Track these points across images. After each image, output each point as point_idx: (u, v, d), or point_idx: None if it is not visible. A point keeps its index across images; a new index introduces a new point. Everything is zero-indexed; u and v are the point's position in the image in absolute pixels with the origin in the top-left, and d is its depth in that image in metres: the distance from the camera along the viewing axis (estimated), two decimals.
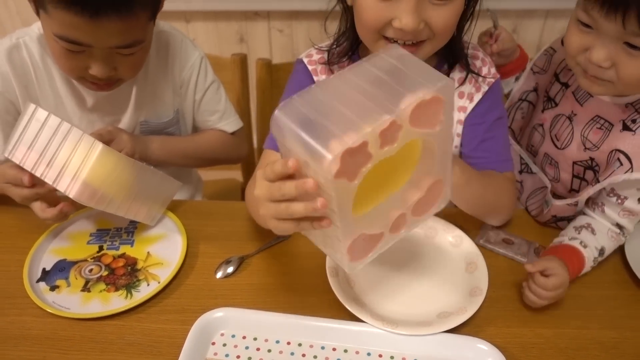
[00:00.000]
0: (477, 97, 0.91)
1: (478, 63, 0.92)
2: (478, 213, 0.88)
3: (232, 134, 1.16)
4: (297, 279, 0.84)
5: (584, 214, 0.90)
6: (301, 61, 0.99)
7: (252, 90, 1.36)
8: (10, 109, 0.99)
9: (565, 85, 0.94)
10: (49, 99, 0.99)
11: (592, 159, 0.88)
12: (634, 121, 0.83)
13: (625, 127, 0.83)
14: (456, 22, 0.81)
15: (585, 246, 0.84)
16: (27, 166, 0.80)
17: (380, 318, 0.75)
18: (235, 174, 1.51)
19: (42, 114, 0.79)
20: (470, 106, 0.91)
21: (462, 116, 0.92)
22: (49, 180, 0.78)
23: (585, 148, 0.88)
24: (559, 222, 0.95)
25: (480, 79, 0.91)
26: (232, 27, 2.16)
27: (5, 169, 0.85)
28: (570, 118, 0.91)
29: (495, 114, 0.92)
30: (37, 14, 0.84)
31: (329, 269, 0.81)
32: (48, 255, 0.88)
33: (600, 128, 0.86)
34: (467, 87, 0.91)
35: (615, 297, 0.83)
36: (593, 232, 0.86)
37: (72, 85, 0.98)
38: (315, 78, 0.97)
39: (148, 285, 0.83)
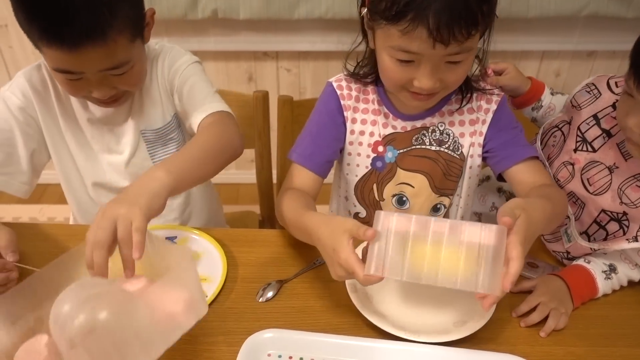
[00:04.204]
0: (489, 117, 1.00)
1: (481, 84, 1.02)
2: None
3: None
4: (334, 301, 0.87)
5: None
6: (330, 84, 1.06)
7: (272, 126, 1.42)
8: (31, 122, 1.05)
9: (608, 134, 0.96)
10: (65, 112, 1.06)
11: (625, 214, 0.92)
12: None
13: None
14: (466, 74, 0.90)
15: (588, 262, 0.91)
16: None
17: (401, 328, 0.79)
18: (253, 207, 1.55)
19: None
20: (484, 129, 1.01)
21: (483, 128, 1.01)
22: None
23: (622, 202, 0.92)
24: (566, 260, 1.00)
25: (485, 104, 1.01)
26: (242, 67, 2.23)
27: None
28: (610, 169, 0.95)
29: (509, 123, 1.02)
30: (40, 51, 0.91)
31: (348, 285, 0.87)
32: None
33: None
34: (477, 103, 1.01)
35: None
36: (605, 258, 0.93)
37: (84, 101, 1.05)
38: (342, 102, 1.03)
39: None
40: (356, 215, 1.13)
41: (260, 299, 0.88)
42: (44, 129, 1.06)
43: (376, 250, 0.72)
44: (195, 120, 1.02)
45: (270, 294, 0.88)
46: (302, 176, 1.03)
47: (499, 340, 0.81)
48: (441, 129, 1.02)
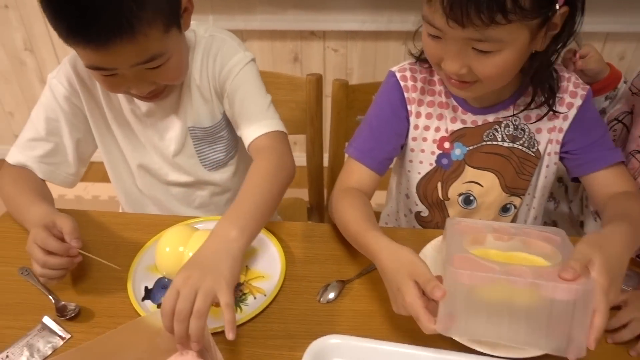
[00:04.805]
0: (572, 113, 0.92)
1: (564, 84, 0.92)
2: None
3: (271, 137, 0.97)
4: None
5: None
6: (393, 75, 0.98)
7: (325, 111, 1.36)
8: (77, 112, 1.01)
9: None
10: (111, 104, 1.02)
11: None
12: None
13: None
14: (509, 70, 0.82)
15: None
16: None
17: (477, 341, 0.73)
18: (301, 192, 1.50)
19: None
20: (565, 125, 0.92)
21: (564, 125, 0.93)
22: None
23: None
24: None
25: (568, 98, 0.91)
26: (287, 46, 2.17)
27: (40, 231, 0.80)
28: None
29: (594, 122, 0.93)
30: None
31: None
32: (145, 273, 0.88)
33: None
34: (559, 96, 0.92)
35: None
36: None
37: (129, 95, 1.00)
38: (405, 94, 0.96)
39: (255, 298, 0.82)
40: (418, 215, 1.07)
41: (321, 299, 0.83)
42: (90, 118, 1.03)
43: (447, 309, 0.66)
44: (247, 137, 0.97)
45: (331, 295, 0.84)
46: (359, 173, 0.97)
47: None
48: (515, 123, 0.94)
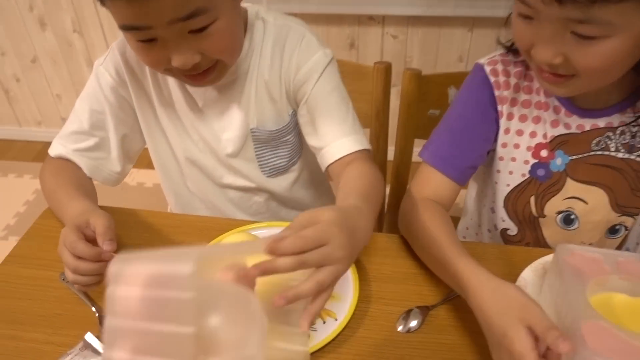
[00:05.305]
0: None
1: None
2: None
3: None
4: None
5: None
6: (481, 68, 0.84)
7: (392, 103, 1.23)
8: (124, 105, 0.91)
9: None
10: (162, 97, 0.91)
11: None
12: None
13: None
14: (618, 64, 0.66)
15: None
16: None
17: None
18: None
19: None
20: None
21: None
22: None
23: None
24: None
25: None
26: (344, 32, 2.04)
27: (70, 233, 0.71)
28: None
29: None
30: None
31: None
32: None
33: None
34: None
35: None
36: None
37: (184, 86, 0.89)
38: (496, 92, 0.82)
39: (324, 322, 0.71)
40: (504, 233, 0.93)
41: (401, 328, 0.71)
42: (138, 112, 0.93)
43: None
44: (329, 155, 0.86)
45: (413, 324, 0.71)
46: (436, 183, 0.84)
47: None
48: (634, 130, 0.79)
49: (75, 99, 0.91)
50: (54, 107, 2.46)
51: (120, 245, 0.84)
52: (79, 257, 0.69)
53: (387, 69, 1.17)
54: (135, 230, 0.87)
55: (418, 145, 1.25)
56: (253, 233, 0.83)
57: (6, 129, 2.55)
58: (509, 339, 0.55)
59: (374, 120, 1.22)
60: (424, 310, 0.73)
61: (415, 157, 1.29)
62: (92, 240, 0.72)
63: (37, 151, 2.45)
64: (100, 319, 0.72)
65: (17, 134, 2.55)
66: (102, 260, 0.70)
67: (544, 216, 0.87)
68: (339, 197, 0.74)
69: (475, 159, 0.86)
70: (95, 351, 0.68)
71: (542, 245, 0.91)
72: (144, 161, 1.03)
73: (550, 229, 0.88)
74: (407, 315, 0.72)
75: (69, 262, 0.70)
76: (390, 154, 1.26)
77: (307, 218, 0.59)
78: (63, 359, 0.68)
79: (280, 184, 1.00)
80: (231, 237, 0.80)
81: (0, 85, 2.40)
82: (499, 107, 0.83)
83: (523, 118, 0.83)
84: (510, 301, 0.58)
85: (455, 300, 0.74)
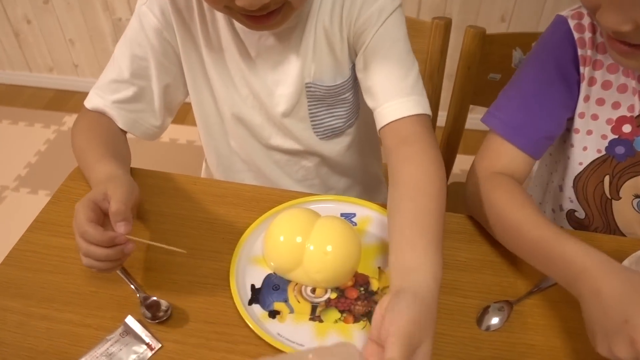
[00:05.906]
0: None
1: None
2: None
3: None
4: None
5: None
6: (564, 20, 0.73)
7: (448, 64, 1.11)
8: (168, 50, 0.81)
9: None
10: (211, 43, 0.80)
11: None
12: None
13: None
14: None
15: None
16: None
17: None
18: None
19: None
20: None
21: None
22: None
23: None
24: None
25: None
26: None
27: (81, 210, 0.61)
28: None
29: None
30: None
31: None
32: (250, 266, 0.69)
33: None
34: None
35: None
36: None
37: (236, 32, 0.78)
38: (579, 51, 0.71)
39: None
40: (571, 214, 0.84)
41: (482, 326, 0.63)
42: (184, 59, 0.82)
43: None
44: (385, 115, 0.74)
45: (495, 321, 0.63)
46: (508, 155, 0.74)
47: None
48: None
49: (89, 45, 0.81)
50: (67, 52, 2.33)
51: (159, 215, 0.76)
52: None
53: (447, 25, 1.05)
54: (174, 199, 0.78)
55: (473, 112, 1.15)
56: (310, 207, 0.74)
57: (16, 74, 2.43)
58: (632, 326, 0.48)
59: (426, 83, 1.11)
60: (507, 306, 0.64)
61: (469, 125, 1.19)
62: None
63: (48, 98, 2.34)
64: (142, 300, 0.64)
65: (27, 79, 2.43)
66: (117, 245, 0.60)
67: (619, 198, 0.78)
68: (393, 240, 0.62)
69: (552, 129, 0.76)
70: (137, 337, 0.61)
71: (612, 230, 0.82)
72: (178, 116, 0.93)
73: (623, 215, 0.79)
74: (487, 311, 0.64)
75: (80, 245, 0.60)
76: (441, 120, 1.15)
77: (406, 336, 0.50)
78: (102, 345, 0.60)
79: (334, 147, 0.90)
80: (287, 213, 0.70)
81: (10, 27, 2.27)
82: (582, 70, 0.72)
83: (606, 85, 0.72)
84: (637, 286, 0.50)
85: (542, 295, 0.66)
